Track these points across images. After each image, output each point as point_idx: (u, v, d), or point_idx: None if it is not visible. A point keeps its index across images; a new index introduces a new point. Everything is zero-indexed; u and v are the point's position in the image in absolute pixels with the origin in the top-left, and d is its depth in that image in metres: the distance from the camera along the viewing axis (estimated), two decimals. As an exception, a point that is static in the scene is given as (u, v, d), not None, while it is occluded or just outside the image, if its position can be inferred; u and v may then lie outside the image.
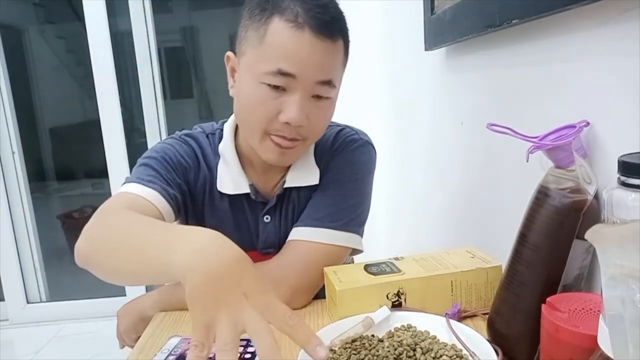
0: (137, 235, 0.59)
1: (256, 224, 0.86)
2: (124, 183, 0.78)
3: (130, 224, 0.63)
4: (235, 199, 0.85)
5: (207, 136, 0.87)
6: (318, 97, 0.74)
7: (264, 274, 0.79)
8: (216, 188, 0.84)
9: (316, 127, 0.76)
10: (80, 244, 0.67)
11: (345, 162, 0.86)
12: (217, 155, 0.85)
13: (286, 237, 0.84)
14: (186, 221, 0.85)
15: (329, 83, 0.73)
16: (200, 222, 0.86)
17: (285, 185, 0.85)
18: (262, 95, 0.71)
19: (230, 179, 0.83)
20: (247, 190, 0.84)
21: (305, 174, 0.85)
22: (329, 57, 0.71)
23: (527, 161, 0.57)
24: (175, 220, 0.81)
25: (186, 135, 0.87)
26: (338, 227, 0.82)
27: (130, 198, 0.73)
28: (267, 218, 0.86)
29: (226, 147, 0.84)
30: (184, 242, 0.51)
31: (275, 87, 0.71)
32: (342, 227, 0.82)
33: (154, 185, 0.75)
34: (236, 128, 0.86)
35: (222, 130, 0.87)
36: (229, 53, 0.79)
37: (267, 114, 0.72)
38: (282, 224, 0.87)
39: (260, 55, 0.71)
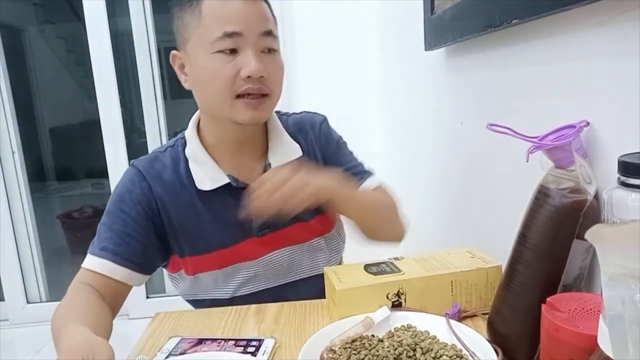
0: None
1: None
2: (90, 252, 0.84)
3: (61, 322, 0.73)
4: (216, 195, 0.86)
5: (165, 150, 0.90)
6: (267, 51, 0.80)
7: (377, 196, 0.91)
8: (192, 192, 0.85)
9: (275, 79, 0.82)
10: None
11: (328, 135, 0.96)
12: (183, 162, 0.87)
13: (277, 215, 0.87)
14: (173, 232, 0.87)
15: (270, 34, 0.80)
16: (188, 229, 0.87)
17: (272, 166, 0.87)
18: (218, 63, 0.78)
19: (207, 175, 0.85)
20: (226, 180, 0.85)
21: (285, 151, 0.89)
22: (261, 11, 0.80)
23: (527, 161, 0.57)
24: (143, 266, 0.85)
25: (140, 162, 0.89)
26: (370, 173, 0.96)
27: (89, 277, 0.82)
28: None
29: (193, 147, 0.87)
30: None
31: (228, 51, 0.77)
32: (371, 172, 0.96)
33: (106, 255, 0.82)
34: (197, 128, 0.89)
35: (182, 138, 0.90)
36: (174, 52, 0.86)
37: (229, 77, 0.78)
38: None
39: (204, 31, 0.78)
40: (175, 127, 2.58)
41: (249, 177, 0.86)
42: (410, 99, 1.50)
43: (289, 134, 0.92)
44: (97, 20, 2.19)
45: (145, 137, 2.43)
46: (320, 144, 0.94)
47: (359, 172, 0.94)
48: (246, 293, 0.91)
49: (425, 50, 1.12)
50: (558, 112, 0.63)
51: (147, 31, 2.32)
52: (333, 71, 1.97)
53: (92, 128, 2.49)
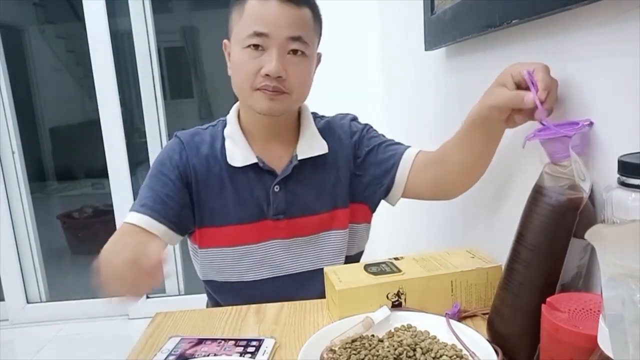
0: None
1: (267, 193, 0.93)
2: (131, 210, 0.90)
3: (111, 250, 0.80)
4: (243, 173, 0.93)
5: (206, 128, 0.99)
6: (293, 53, 0.87)
7: None
8: (223, 167, 0.93)
9: (296, 80, 0.88)
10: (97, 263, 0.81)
11: (356, 127, 1.02)
12: (220, 140, 0.95)
13: (294, 204, 0.94)
14: (198, 201, 0.94)
15: (299, 39, 0.86)
16: (212, 200, 0.93)
17: (299, 157, 0.94)
18: (246, 57, 0.86)
19: (239, 153, 0.93)
20: (255, 160, 0.93)
21: (313, 145, 0.96)
22: (295, 18, 0.86)
23: (523, 147, 0.57)
24: (179, 226, 0.92)
25: (183, 134, 0.98)
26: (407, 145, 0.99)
27: (129, 230, 0.87)
28: (277, 188, 0.93)
29: (232, 128, 0.96)
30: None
31: (255, 48, 0.85)
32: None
33: (146, 211, 0.88)
34: (238, 114, 0.97)
35: (224, 120, 0.99)
36: (225, 40, 0.94)
37: (251, 71, 0.86)
38: (291, 192, 0.95)
39: (241, 26, 0.87)
40: (175, 127, 2.57)
41: (276, 163, 0.95)
42: (410, 99, 1.50)
43: (320, 132, 0.99)
44: (97, 20, 2.19)
45: (145, 137, 2.43)
46: (350, 136, 1.00)
47: (396, 143, 1.00)
48: (251, 279, 0.95)
49: (425, 50, 1.12)
50: (557, 112, 0.63)
51: (147, 31, 2.32)
52: (333, 71, 1.96)
53: (92, 128, 2.50)
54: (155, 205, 0.89)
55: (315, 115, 1.02)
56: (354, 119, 1.04)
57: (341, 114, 1.05)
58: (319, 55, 0.97)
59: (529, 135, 0.58)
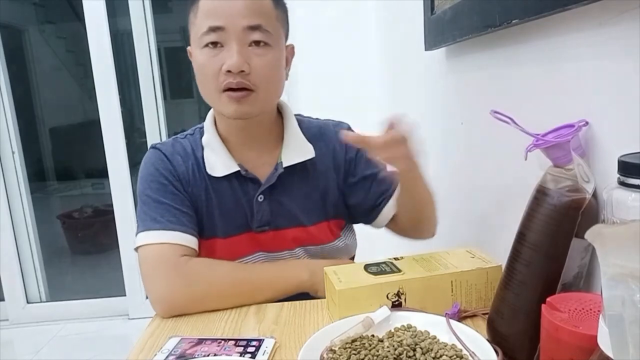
0: (257, 279, 0.84)
1: (250, 204, 0.89)
2: (142, 230, 0.84)
3: (233, 273, 0.83)
4: (227, 182, 0.89)
5: (185, 137, 0.94)
6: (256, 44, 0.81)
7: None
8: (206, 177, 0.88)
9: (261, 74, 0.81)
10: (174, 295, 0.79)
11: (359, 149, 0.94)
12: (200, 149, 0.90)
13: (279, 215, 0.90)
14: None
15: (259, 28, 0.80)
16: (199, 212, 0.89)
17: (284, 165, 0.89)
18: (206, 57, 0.81)
19: (220, 162, 0.88)
20: (236, 168, 0.88)
21: (299, 150, 0.91)
22: (251, 5, 0.80)
23: (525, 159, 0.57)
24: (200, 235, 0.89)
25: (162, 146, 0.92)
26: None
27: (169, 250, 0.82)
28: (260, 197, 0.89)
29: (209, 136, 0.90)
30: (296, 270, 0.86)
31: (213, 45, 0.80)
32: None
33: (175, 227, 0.83)
34: (215, 120, 0.93)
35: (201, 128, 0.94)
36: (188, 47, 0.88)
37: (214, 71, 0.81)
38: (276, 202, 0.90)
39: (196, 27, 0.82)
40: (176, 127, 2.59)
41: (259, 170, 0.90)
42: (410, 99, 1.50)
43: (309, 136, 0.93)
44: (97, 20, 2.19)
45: (145, 137, 2.44)
46: (345, 151, 0.95)
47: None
48: None
49: (425, 50, 1.12)
50: (557, 112, 0.63)
51: (147, 31, 2.32)
52: (333, 71, 1.97)
53: (92, 128, 2.50)
54: (179, 219, 0.84)
55: (301, 117, 0.97)
56: (348, 128, 0.99)
57: (333, 121, 1.00)
58: (291, 47, 0.91)
59: (529, 147, 0.58)
